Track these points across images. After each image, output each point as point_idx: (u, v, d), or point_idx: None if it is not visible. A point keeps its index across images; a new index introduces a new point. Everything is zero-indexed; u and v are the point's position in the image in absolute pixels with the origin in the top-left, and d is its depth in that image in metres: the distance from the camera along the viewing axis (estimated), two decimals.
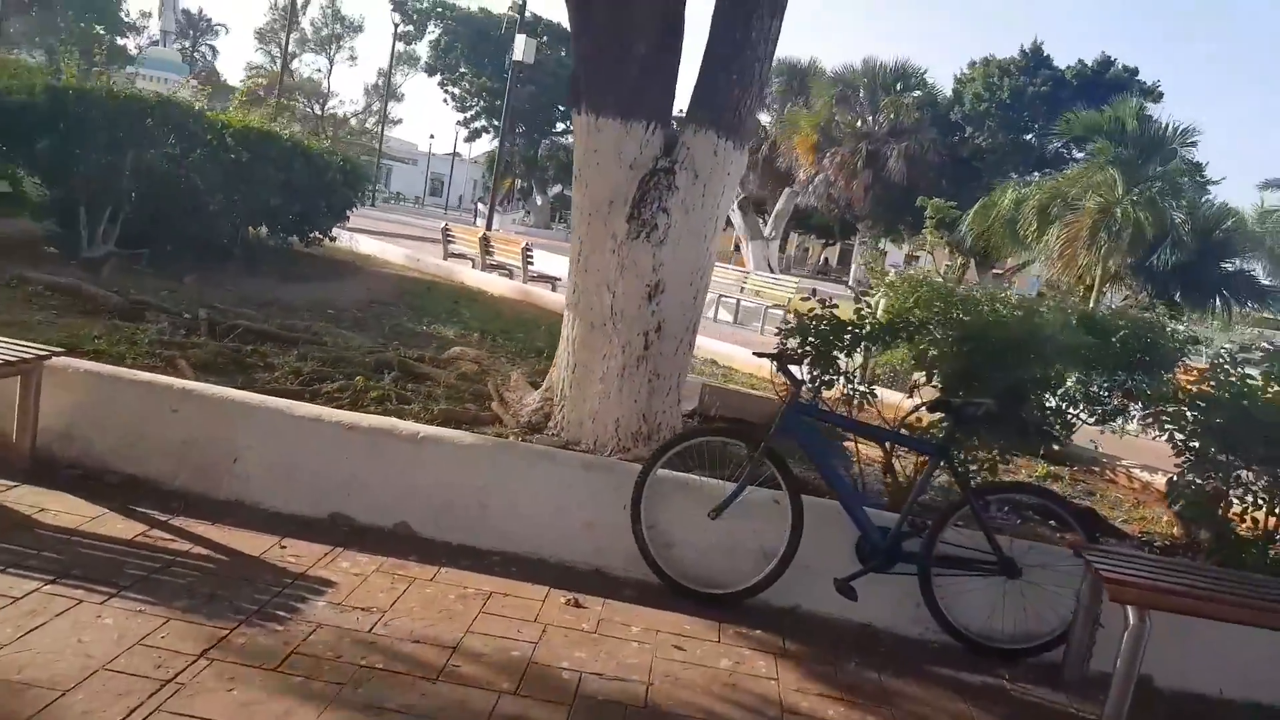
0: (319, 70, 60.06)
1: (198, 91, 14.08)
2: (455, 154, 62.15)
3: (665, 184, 4.37)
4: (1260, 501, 4.14)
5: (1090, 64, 34.03)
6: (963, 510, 3.69)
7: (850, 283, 28.34)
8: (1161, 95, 33.23)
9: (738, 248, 33.09)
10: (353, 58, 76.28)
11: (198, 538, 3.57)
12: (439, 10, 49.98)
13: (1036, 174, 27.54)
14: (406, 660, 2.92)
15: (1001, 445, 4.35)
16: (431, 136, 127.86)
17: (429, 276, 13.74)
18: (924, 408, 4.15)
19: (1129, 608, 3.08)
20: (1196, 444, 4.18)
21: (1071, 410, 4.47)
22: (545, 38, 39.74)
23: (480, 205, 44.39)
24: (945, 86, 34.81)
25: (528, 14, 29.63)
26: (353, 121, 56.99)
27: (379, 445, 3.97)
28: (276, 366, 5.33)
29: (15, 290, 6.47)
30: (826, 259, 54.04)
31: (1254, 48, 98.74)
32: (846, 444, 4.83)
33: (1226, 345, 4.61)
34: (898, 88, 29.51)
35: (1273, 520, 4.18)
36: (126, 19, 43.26)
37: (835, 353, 4.38)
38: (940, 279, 6.59)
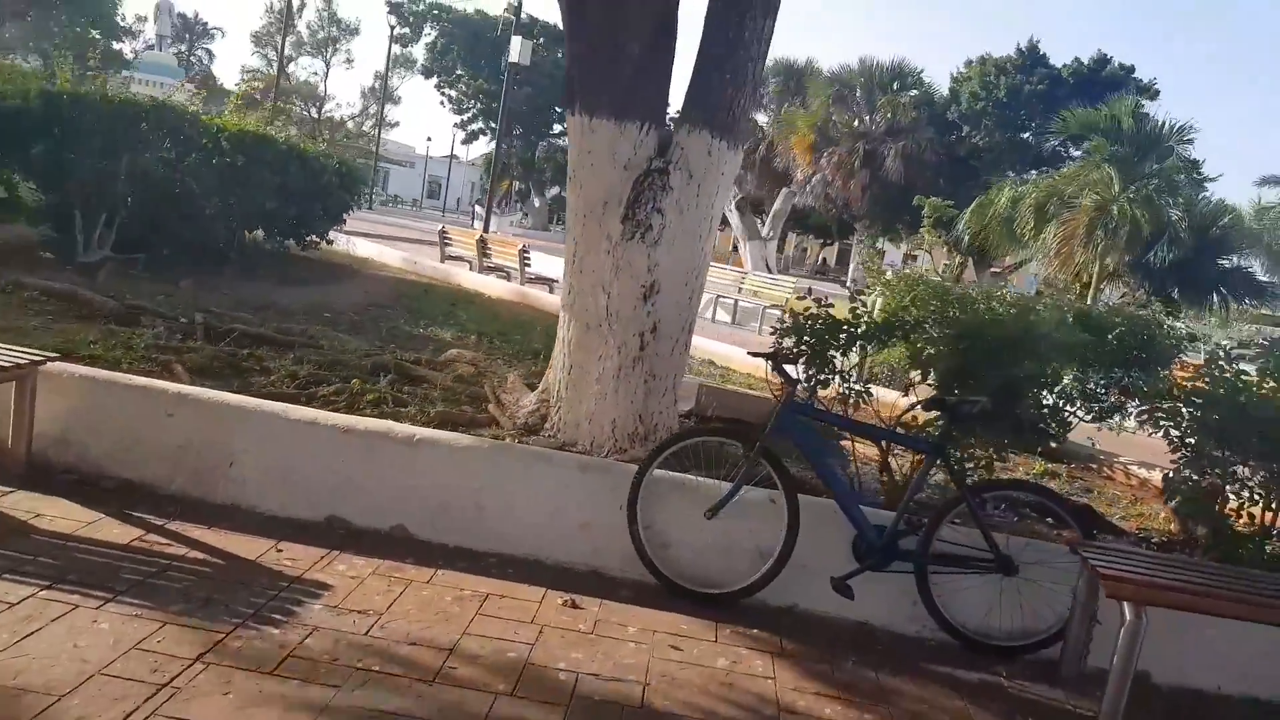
0: (315, 73, 60.30)
1: (193, 95, 14.07)
2: (453, 156, 62.11)
3: (660, 184, 4.37)
4: (1256, 497, 4.15)
5: (1086, 62, 34.11)
6: (959, 508, 3.69)
7: (848, 282, 28.33)
8: (1158, 93, 33.38)
9: (735, 248, 33.13)
10: (349, 61, 77.05)
11: (194, 542, 3.57)
12: (435, 13, 50.10)
13: (1033, 172, 27.54)
14: (403, 662, 2.91)
15: (998, 443, 4.35)
16: (429, 139, 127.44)
17: (426, 279, 13.73)
18: (920, 406, 4.15)
19: (1126, 604, 3.09)
20: (1193, 440, 4.18)
21: (1068, 407, 4.47)
22: (541, 39, 39.74)
23: (478, 207, 44.40)
24: (942, 86, 35.00)
25: (523, 16, 29.75)
26: (349, 124, 57.03)
27: (375, 448, 3.97)
28: (272, 370, 5.32)
29: (11, 295, 6.46)
30: (824, 259, 54.10)
31: (1253, 47, 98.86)
32: (843, 443, 4.83)
33: (1224, 341, 4.62)
34: (894, 87, 29.59)
35: (1269, 515, 4.19)
36: (122, 23, 43.13)
37: (831, 352, 4.38)
38: (937, 278, 6.59)
